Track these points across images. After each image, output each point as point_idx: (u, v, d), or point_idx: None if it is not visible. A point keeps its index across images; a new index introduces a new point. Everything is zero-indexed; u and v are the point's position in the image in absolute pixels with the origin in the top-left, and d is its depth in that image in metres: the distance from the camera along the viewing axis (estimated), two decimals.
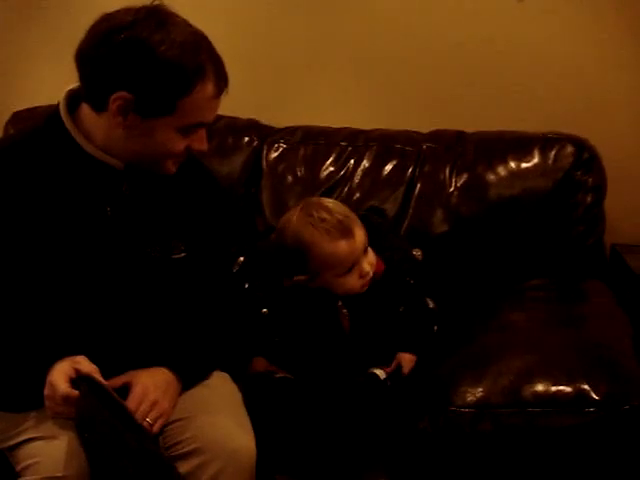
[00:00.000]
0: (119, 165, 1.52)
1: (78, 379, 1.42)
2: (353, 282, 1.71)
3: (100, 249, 1.51)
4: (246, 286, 1.81)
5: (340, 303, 1.75)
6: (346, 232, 1.67)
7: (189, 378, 1.56)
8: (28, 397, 1.47)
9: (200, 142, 1.52)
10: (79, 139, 1.51)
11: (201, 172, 1.69)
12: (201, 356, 1.60)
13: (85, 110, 1.50)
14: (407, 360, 1.70)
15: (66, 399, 1.41)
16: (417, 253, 1.85)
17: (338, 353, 1.73)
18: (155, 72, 1.41)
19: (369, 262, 1.71)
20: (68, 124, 1.51)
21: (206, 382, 1.58)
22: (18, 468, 1.46)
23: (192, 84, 1.43)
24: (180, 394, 1.53)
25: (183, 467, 1.44)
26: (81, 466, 1.39)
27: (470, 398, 1.45)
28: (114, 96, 1.42)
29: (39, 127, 1.55)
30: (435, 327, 1.76)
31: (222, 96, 1.50)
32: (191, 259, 1.58)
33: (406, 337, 1.73)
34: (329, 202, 1.76)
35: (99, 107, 1.46)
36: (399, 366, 1.69)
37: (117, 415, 1.39)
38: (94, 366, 1.45)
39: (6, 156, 1.53)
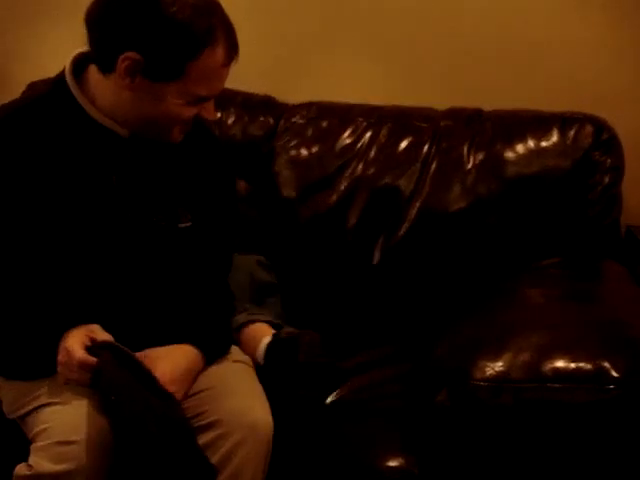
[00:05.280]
0: (124, 133, 1.50)
1: (99, 346, 1.42)
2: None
3: (106, 217, 1.49)
4: None
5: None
6: None
7: (213, 353, 1.56)
8: (40, 365, 1.47)
9: (208, 111, 1.50)
10: (84, 103, 1.48)
11: (207, 139, 1.66)
12: (221, 329, 1.60)
13: (92, 73, 1.48)
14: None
15: (82, 365, 1.42)
16: None
17: None
18: (164, 33, 1.39)
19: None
20: (73, 88, 1.49)
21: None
22: (30, 435, 1.46)
23: (201, 47, 1.40)
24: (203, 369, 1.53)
25: (202, 438, 1.44)
26: (91, 432, 1.39)
27: (490, 372, 1.44)
28: (123, 56, 1.40)
29: (45, 92, 1.53)
30: None
31: (232, 65, 1.48)
32: (198, 228, 1.57)
33: None
34: None
35: (107, 68, 1.44)
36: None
37: (142, 381, 1.38)
38: (109, 334, 1.45)
39: (10, 122, 1.50)
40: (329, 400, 1.65)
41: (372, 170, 2.06)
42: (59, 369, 1.45)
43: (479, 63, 2.22)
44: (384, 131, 2.10)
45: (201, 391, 1.51)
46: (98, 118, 1.49)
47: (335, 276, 2.00)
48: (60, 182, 1.48)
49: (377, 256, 1.99)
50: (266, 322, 1.75)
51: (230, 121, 2.21)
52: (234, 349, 1.64)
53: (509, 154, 1.98)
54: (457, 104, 2.14)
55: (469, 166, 2.00)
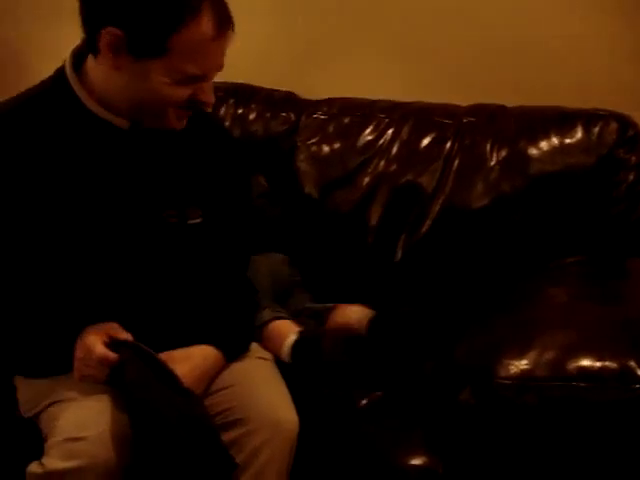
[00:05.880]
0: (124, 124, 1.46)
1: (119, 343, 1.42)
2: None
3: (111, 214, 1.47)
4: None
5: None
6: None
7: (233, 351, 1.55)
8: (56, 362, 1.47)
9: (204, 93, 1.42)
10: (82, 95, 1.45)
11: (216, 132, 1.62)
12: (241, 326, 1.59)
13: (89, 61, 1.44)
14: None
15: (102, 360, 1.41)
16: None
17: None
18: (142, 4, 1.33)
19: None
20: (72, 80, 1.46)
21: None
22: (43, 434, 1.46)
23: (182, 19, 1.33)
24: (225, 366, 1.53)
25: (227, 436, 1.43)
26: (103, 428, 1.38)
27: (514, 370, 1.43)
28: (104, 31, 1.35)
29: (46, 87, 1.51)
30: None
31: (225, 42, 1.39)
32: (209, 224, 1.54)
33: None
34: None
35: (93, 49, 1.40)
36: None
37: (162, 378, 1.38)
38: (128, 333, 1.45)
39: (11, 119, 1.47)
40: (354, 400, 1.63)
41: (394, 167, 2.05)
42: (76, 365, 1.44)
43: (501, 59, 2.21)
44: (406, 128, 2.09)
45: (225, 388, 1.50)
46: (97, 111, 1.45)
47: (357, 273, 1.99)
48: (63, 179, 1.45)
49: (399, 253, 1.99)
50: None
51: (252, 117, 2.21)
52: (254, 346, 1.63)
53: (533, 151, 1.96)
54: (479, 101, 2.13)
55: (492, 163, 1.98)
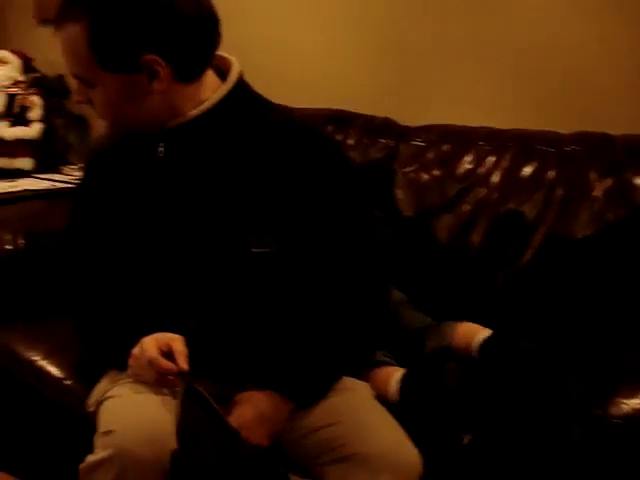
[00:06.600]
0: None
1: (187, 388, 1.40)
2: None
3: (171, 238, 1.50)
4: None
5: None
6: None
7: (302, 399, 1.47)
8: (116, 357, 1.51)
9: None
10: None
11: (297, 136, 1.51)
12: (319, 370, 1.48)
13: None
14: None
15: (151, 363, 1.42)
16: None
17: None
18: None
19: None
20: None
21: (339, 385, 1.50)
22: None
23: None
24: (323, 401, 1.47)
25: (336, 472, 1.40)
26: (131, 423, 1.39)
27: (626, 409, 1.40)
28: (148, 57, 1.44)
29: None
30: None
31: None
32: (282, 254, 1.46)
33: None
34: None
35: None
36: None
37: (211, 415, 1.37)
38: (186, 349, 1.43)
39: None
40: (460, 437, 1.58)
41: (495, 195, 2.04)
42: (130, 362, 1.47)
43: (604, 87, 2.17)
44: (507, 156, 2.07)
45: (331, 424, 1.44)
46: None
47: (456, 301, 1.98)
48: (146, 199, 1.52)
49: (499, 282, 1.97)
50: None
51: (350, 143, 2.23)
52: (348, 379, 1.53)
53: (639, 181, 1.93)
54: (581, 128, 2.10)
55: (597, 192, 1.95)
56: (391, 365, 1.67)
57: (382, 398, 1.55)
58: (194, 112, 1.46)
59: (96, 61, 1.40)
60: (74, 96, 1.50)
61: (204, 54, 1.46)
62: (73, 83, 1.48)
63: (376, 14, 2.39)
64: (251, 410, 1.44)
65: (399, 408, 1.54)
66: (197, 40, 1.43)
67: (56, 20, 1.43)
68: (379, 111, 2.28)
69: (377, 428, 1.44)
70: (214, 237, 1.47)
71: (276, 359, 1.48)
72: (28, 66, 2.85)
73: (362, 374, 1.60)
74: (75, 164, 2.81)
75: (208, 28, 1.45)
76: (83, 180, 1.65)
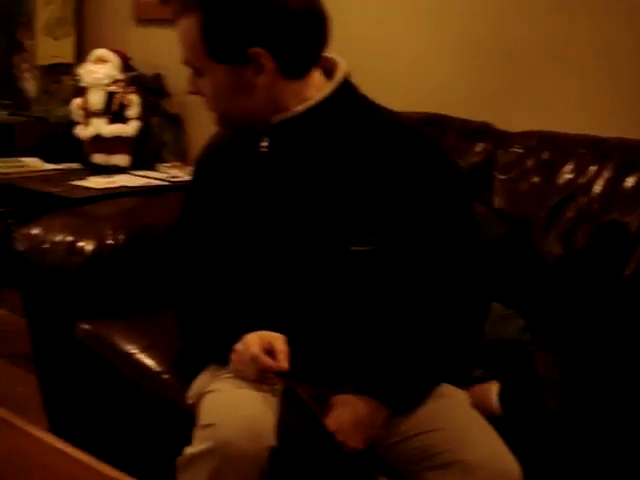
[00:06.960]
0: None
1: (287, 389, 1.41)
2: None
3: (272, 233, 1.51)
4: None
5: None
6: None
7: (399, 405, 1.47)
8: (218, 352, 1.52)
9: None
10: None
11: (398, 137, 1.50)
12: (417, 376, 1.48)
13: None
14: None
15: (254, 359, 1.43)
16: None
17: None
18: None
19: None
20: None
21: (437, 392, 1.49)
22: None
23: None
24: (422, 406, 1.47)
25: (436, 478, 1.39)
26: (230, 418, 1.39)
27: None
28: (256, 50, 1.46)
29: None
30: None
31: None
32: (382, 253, 1.46)
33: None
34: None
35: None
36: None
37: (308, 419, 1.38)
38: (287, 349, 1.43)
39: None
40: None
41: (596, 205, 2.00)
42: (232, 357, 1.48)
43: None
44: (609, 165, 2.03)
45: (434, 430, 1.43)
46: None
47: (556, 311, 1.95)
48: (238, 194, 1.55)
49: (601, 294, 1.93)
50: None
51: (446, 147, 2.21)
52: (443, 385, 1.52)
53: None
54: None
55: None
56: (487, 380, 1.66)
57: (485, 413, 1.53)
58: (299, 108, 1.48)
59: (206, 51, 1.45)
60: (186, 86, 1.54)
61: (311, 51, 1.48)
62: (186, 72, 1.52)
63: (477, 16, 2.37)
64: (348, 414, 1.45)
65: (502, 422, 1.53)
66: (304, 37, 1.45)
67: (174, 10, 1.48)
68: (476, 115, 2.26)
69: (478, 436, 1.43)
70: (315, 234, 1.49)
71: (373, 363, 1.48)
72: (126, 65, 2.91)
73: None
74: (169, 162, 2.86)
75: (316, 26, 1.47)
76: (193, 176, 1.68)
